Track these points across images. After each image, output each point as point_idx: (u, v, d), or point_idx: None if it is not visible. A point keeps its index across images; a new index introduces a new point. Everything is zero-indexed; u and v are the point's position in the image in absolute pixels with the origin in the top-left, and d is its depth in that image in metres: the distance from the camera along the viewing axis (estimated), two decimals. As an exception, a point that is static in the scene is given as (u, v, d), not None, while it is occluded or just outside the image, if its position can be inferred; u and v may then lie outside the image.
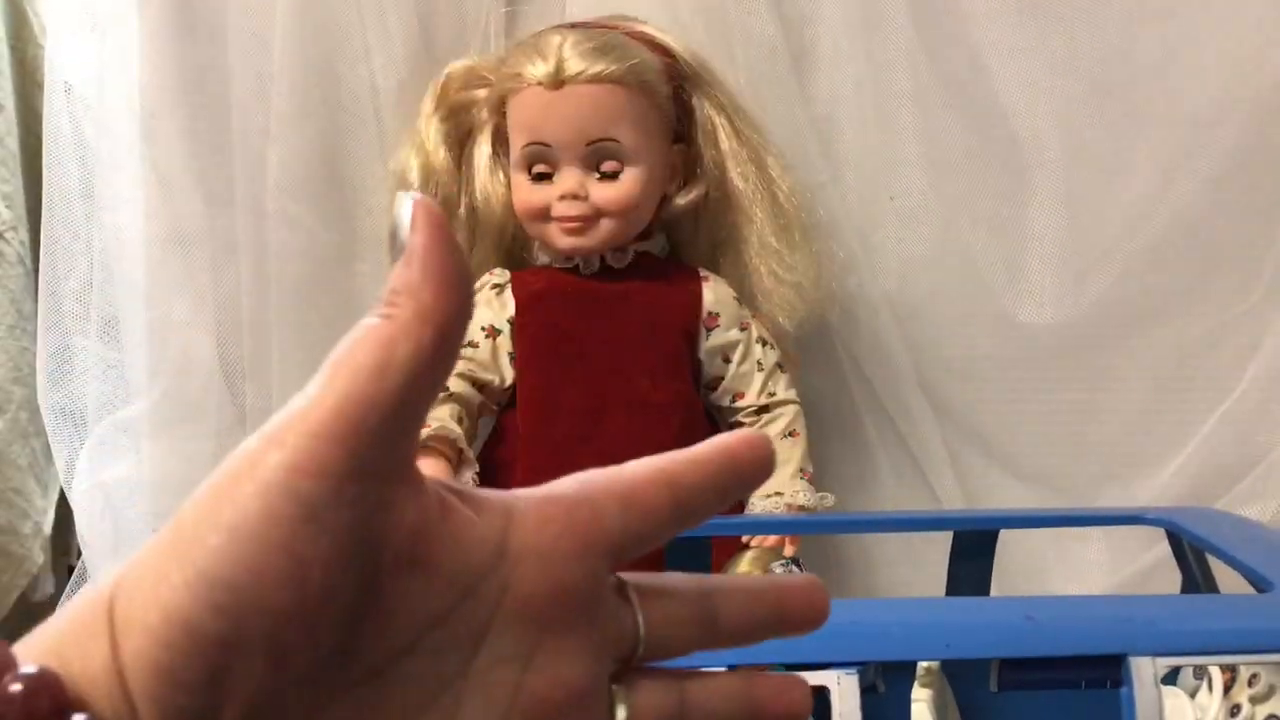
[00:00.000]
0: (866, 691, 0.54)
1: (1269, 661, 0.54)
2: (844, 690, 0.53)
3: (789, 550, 0.86)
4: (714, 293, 0.91)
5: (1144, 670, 0.54)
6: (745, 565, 0.73)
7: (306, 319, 0.91)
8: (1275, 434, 0.89)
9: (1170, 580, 0.82)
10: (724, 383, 0.92)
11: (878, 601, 0.61)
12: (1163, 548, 0.89)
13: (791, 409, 0.93)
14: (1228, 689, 0.75)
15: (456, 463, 0.86)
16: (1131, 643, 0.55)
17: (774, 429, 0.92)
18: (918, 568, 0.99)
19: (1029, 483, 0.98)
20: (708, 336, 0.91)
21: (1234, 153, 0.91)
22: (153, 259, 0.89)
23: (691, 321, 0.90)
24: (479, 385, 0.89)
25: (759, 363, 0.92)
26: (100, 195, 0.89)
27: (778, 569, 0.71)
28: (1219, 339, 0.94)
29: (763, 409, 0.92)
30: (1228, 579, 0.76)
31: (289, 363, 0.91)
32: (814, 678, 0.53)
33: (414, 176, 0.91)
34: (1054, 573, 0.98)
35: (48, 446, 1.11)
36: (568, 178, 0.87)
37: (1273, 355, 0.90)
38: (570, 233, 0.88)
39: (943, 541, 0.90)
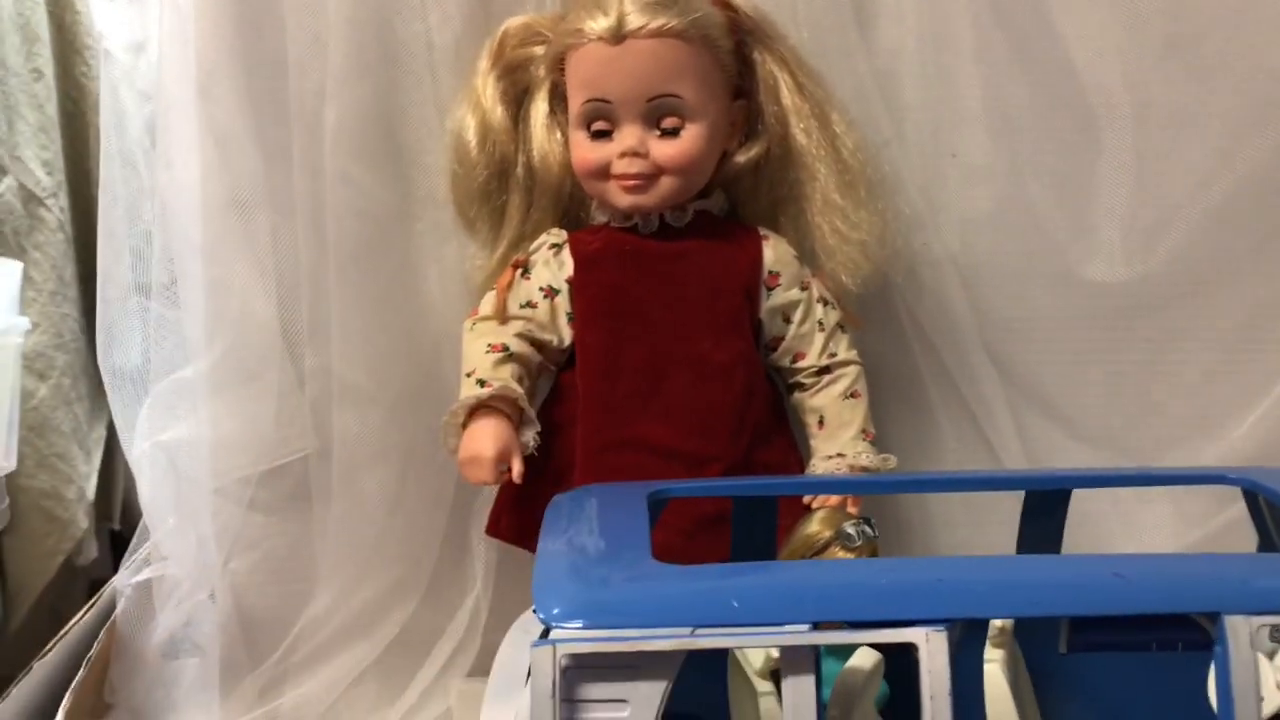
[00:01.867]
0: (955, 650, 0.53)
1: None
2: (933, 648, 0.52)
3: (853, 509, 0.85)
4: (774, 251, 0.90)
5: (1239, 630, 0.53)
6: (815, 525, 0.72)
7: (364, 279, 0.91)
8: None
9: (1242, 544, 0.80)
10: (784, 343, 0.91)
11: (961, 559, 0.60)
12: (1233, 510, 0.88)
13: (853, 370, 0.91)
14: (1309, 653, 0.73)
15: (519, 422, 0.85)
16: (1226, 600, 0.54)
17: (835, 390, 0.91)
18: (979, 530, 0.98)
19: (1093, 445, 0.97)
20: (768, 296, 0.90)
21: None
22: (211, 219, 0.89)
23: (752, 280, 0.89)
24: (538, 345, 0.88)
25: (820, 323, 0.91)
26: (158, 156, 0.89)
27: (848, 528, 0.70)
28: (1286, 299, 0.92)
29: (824, 370, 0.91)
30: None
31: (348, 323, 0.90)
32: (901, 635, 0.53)
33: (471, 135, 0.89)
34: (1117, 537, 0.97)
35: (90, 411, 1.12)
36: (628, 135, 0.86)
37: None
38: (630, 191, 0.86)
39: (1005, 503, 0.89)
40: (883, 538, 0.99)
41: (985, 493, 0.91)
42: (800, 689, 0.53)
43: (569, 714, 0.53)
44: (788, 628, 0.53)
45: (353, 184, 0.90)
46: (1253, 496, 0.75)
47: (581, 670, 0.53)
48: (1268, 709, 0.66)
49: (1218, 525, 0.90)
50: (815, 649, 0.53)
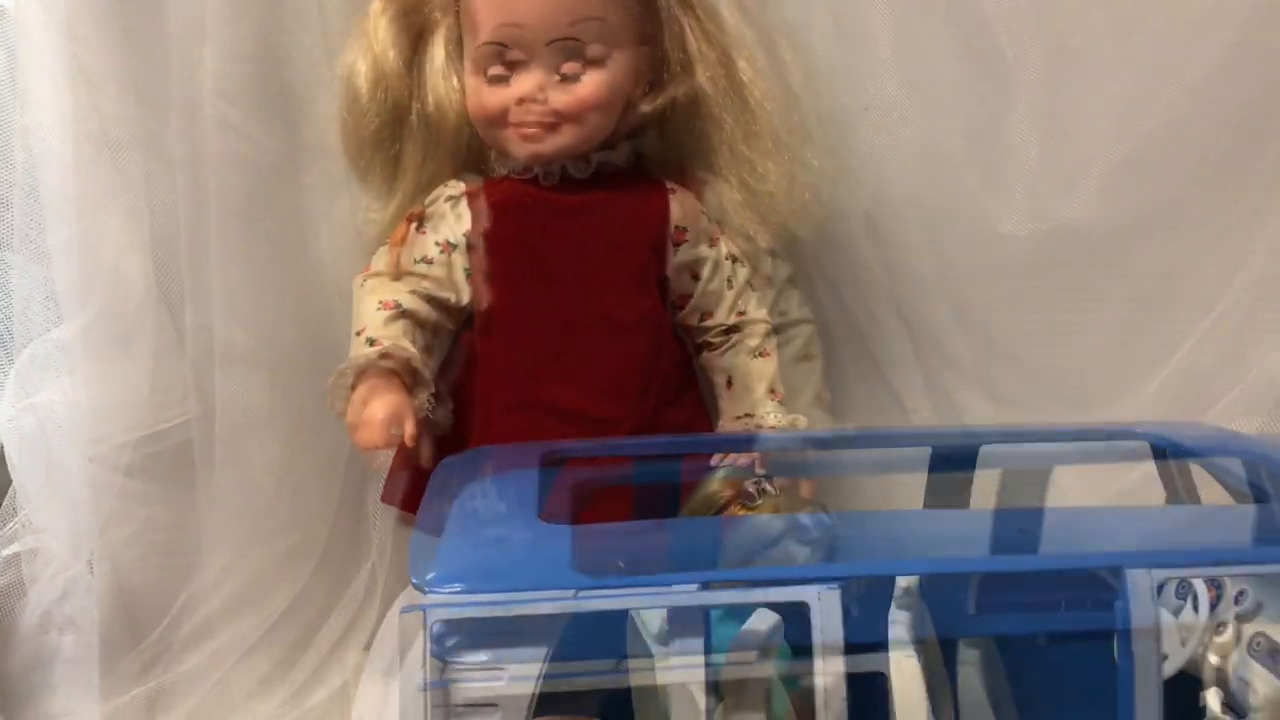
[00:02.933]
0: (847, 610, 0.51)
1: (1269, 573, 0.51)
2: (825, 605, 0.50)
3: (760, 468, 0.82)
4: (681, 206, 0.87)
5: (1141, 583, 0.52)
6: (716, 484, 0.69)
7: (248, 233, 0.86)
8: (1260, 349, 0.86)
9: (1151, 502, 0.79)
10: (692, 301, 0.88)
11: (857, 513, 0.57)
12: (1144, 468, 0.87)
13: (762, 328, 0.89)
14: (1214, 606, 0.72)
15: (412, 383, 0.81)
16: (1128, 554, 0.52)
17: (744, 349, 0.88)
18: (887, 487, 0.96)
19: (1006, 405, 0.95)
20: (675, 252, 0.87)
21: (1223, 62, 0.87)
22: (80, 168, 0.83)
23: (658, 236, 0.86)
24: (435, 303, 0.84)
25: (729, 280, 0.88)
26: (20, 99, 0.83)
27: (749, 487, 0.68)
28: (1204, 254, 0.90)
29: (732, 329, 0.89)
30: (1212, 498, 0.74)
31: (230, 280, 0.85)
32: (792, 593, 0.50)
33: (361, 80, 0.85)
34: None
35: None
36: (526, 80, 0.82)
37: (1259, 270, 0.87)
38: (528, 139, 0.83)
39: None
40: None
41: (894, 453, 0.89)
42: (688, 654, 0.50)
43: (441, 682, 0.49)
44: (675, 588, 0.50)
45: (235, 131, 0.85)
46: (1161, 452, 0.73)
47: (455, 637, 0.50)
48: (1170, 667, 0.64)
49: (1129, 482, 0.88)
50: (705, 610, 0.50)
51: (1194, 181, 0.89)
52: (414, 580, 0.51)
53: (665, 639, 0.58)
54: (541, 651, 0.50)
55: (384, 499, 0.88)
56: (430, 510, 0.59)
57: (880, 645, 0.67)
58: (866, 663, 0.53)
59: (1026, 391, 0.95)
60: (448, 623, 0.49)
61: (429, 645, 0.49)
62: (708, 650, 0.50)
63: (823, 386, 0.87)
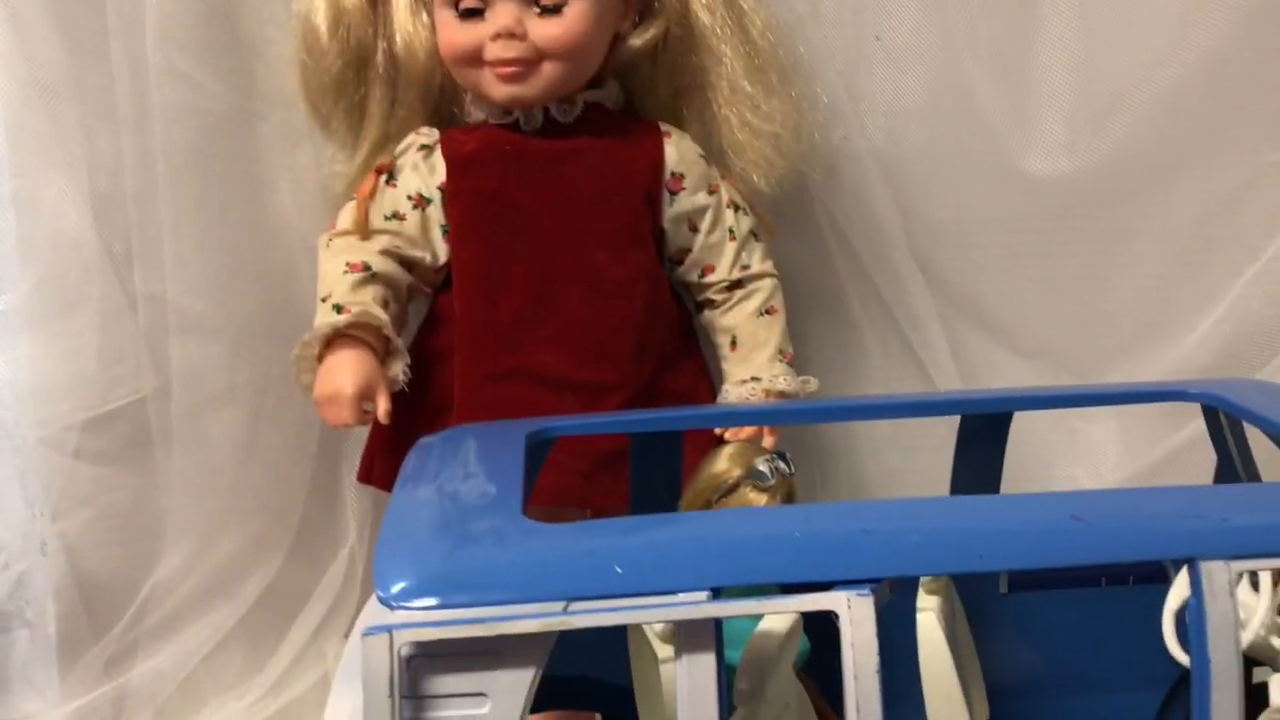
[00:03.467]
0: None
1: (1366, 563, 0.45)
2: (856, 615, 0.43)
3: (769, 441, 0.76)
4: (678, 150, 0.79)
5: (1217, 577, 0.45)
6: (723, 462, 0.62)
7: (201, 190, 0.78)
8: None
9: (1198, 466, 0.73)
10: (691, 255, 0.81)
11: (890, 503, 0.51)
12: (1188, 429, 0.80)
13: (769, 283, 0.82)
14: (1276, 583, 0.66)
15: (384, 353, 0.74)
16: (1202, 544, 0.45)
17: (749, 306, 0.81)
18: (909, 455, 0.89)
19: (1032, 359, 0.88)
20: (672, 201, 0.79)
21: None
22: (10, 123, 0.75)
23: (652, 184, 0.78)
24: (407, 264, 0.77)
25: (731, 231, 0.81)
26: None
27: (760, 465, 0.61)
28: (1246, 194, 0.83)
29: (736, 284, 0.81)
30: (1262, 461, 0.67)
31: (183, 242, 0.78)
32: (818, 601, 0.43)
33: (320, 19, 0.77)
34: (1059, 460, 0.89)
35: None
36: (502, 13, 0.74)
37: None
38: (506, 79, 0.75)
39: (938, 426, 0.80)
40: (804, 468, 0.91)
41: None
42: (699, 669, 0.43)
43: (413, 713, 0.43)
44: (682, 597, 0.43)
45: (183, 79, 0.78)
46: (1213, 413, 0.66)
47: (429, 660, 0.43)
48: (1246, 638, 0.58)
49: (1172, 445, 0.82)
50: (716, 621, 0.43)
51: (1238, 114, 0.82)
52: (379, 593, 0.44)
53: (670, 640, 0.51)
54: (530, 674, 0.43)
55: (360, 478, 0.81)
56: (401, 503, 0.52)
57: (908, 642, 0.61)
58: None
59: (1054, 344, 0.89)
60: (420, 645, 0.42)
61: (397, 675, 0.42)
62: (720, 661, 0.43)
63: (785, 341, 0.80)
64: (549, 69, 0.75)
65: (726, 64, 0.78)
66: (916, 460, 0.88)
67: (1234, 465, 0.67)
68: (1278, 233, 0.82)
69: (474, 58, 0.75)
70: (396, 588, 0.44)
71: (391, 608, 0.44)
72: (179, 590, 0.81)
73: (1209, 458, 0.69)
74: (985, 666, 0.72)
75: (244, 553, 0.82)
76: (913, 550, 0.45)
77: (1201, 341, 0.83)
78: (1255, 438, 0.65)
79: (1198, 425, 0.71)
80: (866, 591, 0.43)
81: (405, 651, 0.42)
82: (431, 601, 0.43)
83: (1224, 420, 0.66)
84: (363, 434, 0.80)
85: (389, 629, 0.42)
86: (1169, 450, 0.82)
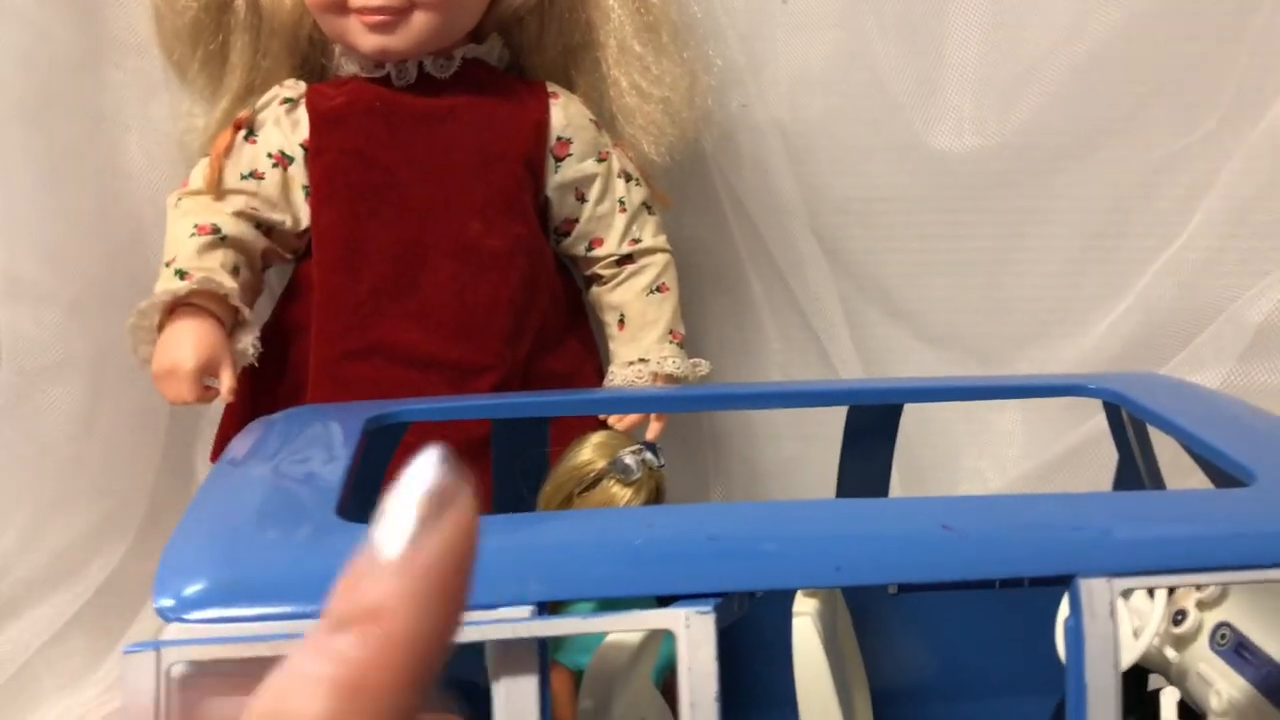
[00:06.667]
0: (727, 629, 0.39)
1: (1262, 579, 0.41)
2: (695, 635, 0.38)
3: (652, 432, 0.71)
4: (565, 113, 0.73)
5: (1098, 595, 0.40)
6: (587, 453, 0.57)
7: (38, 142, 0.71)
8: (1227, 288, 0.75)
9: (1105, 459, 0.69)
10: (579, 226, 0.75)
11: (743, 507, 0.46)
12: (1095, 422, 0.76)
13: (660, 259, 0.77)
14: (1171, 591, 0.62)
15: (231, 325, 0.68)
16: (1083, 559, 0.41)
17: (639, 283, 0.76)
18: (808, 443, 0.85)
19: (937, 346, 0.84)
20: (557, 168, 0.73)
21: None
22: None
23: (536, 148, 0.73)
24: (265, 227, 0.71)
25: (621, 202, 0.75)
26: None
27: (626, 457, 0.56)
28: (1160, 177, 0.80)
29: (625, 259, 0.76)
30: (1167, 459, 0.63)
31: (15, 199, 0.70)
32: (656, 618, 0.38)
33: (174, -44, 0.70)
34: (964, 449, 0.85)
35: None
36: (369, -44, 0.67)
37: (1227, 194, 0.76)
38: (374, 29, 0.68)
39: (838, 413, 0.76)
40: (696, 456, 0.87)
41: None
42: (518, 694, 0.38)
43: (188, 746, 0.37)
44: (501, 613, 0.38)
45: (17, 18, 0.70)
46: (1115, 410, 0.63)
47: (206, 680, 0.37)
48: (1124, 661, 0.55)
49: (1076, 439, 0.78)
50: (541, 641, 0.38)
51: (1156, 91, 0.78)
52: (156, 604, 0.38)
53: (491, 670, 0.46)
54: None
55: (215, 459, 0.74)
56: (207, 494, 0.46)
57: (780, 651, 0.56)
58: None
59: (960, 330, 0.85)
60: (195, 665, 0.37)
61: (164, 699, 0.36)
62: (544, 685, 0.38)
63: (676, 321, 0.75)
64: (420, 19, 0.68)
65: (615, 20, 0.73)
66: (816, 448, 0.83)
67: (1135, 464, 0.64)
68: (1192, 219, 0.79)
69: (339, 4, 0.68)
70: (170, 597, 0.38)
71: (167, 620, 0.38)
72: (9, 577, 0.75)
73: (1110, 450, 0.65)
74: (871, 670, 0.68)
75: (84, 537, 0.75)
76: (763, 561, 0.40)
77: (1111, 330, 0.80)
78: (1161, 434, 0.62)
79: (1102, 419, 0.67)
80: (708, 608, 0.38)
81: (176, 671, 0.37)
82: (210, 614, 0.38)
83: (1125, 417, 0.63)
84: (220, 412, 0.74)
85: (156, 646, 0.37)
86: (1073, 444, 0.78)
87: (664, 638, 0.53)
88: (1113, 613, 0.40)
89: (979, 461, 0.87)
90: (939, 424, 0.85)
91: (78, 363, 0.73)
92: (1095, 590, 0.40)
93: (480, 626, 0.38)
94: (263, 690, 0.20)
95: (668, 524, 0.42)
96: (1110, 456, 0.66)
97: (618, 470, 0.56)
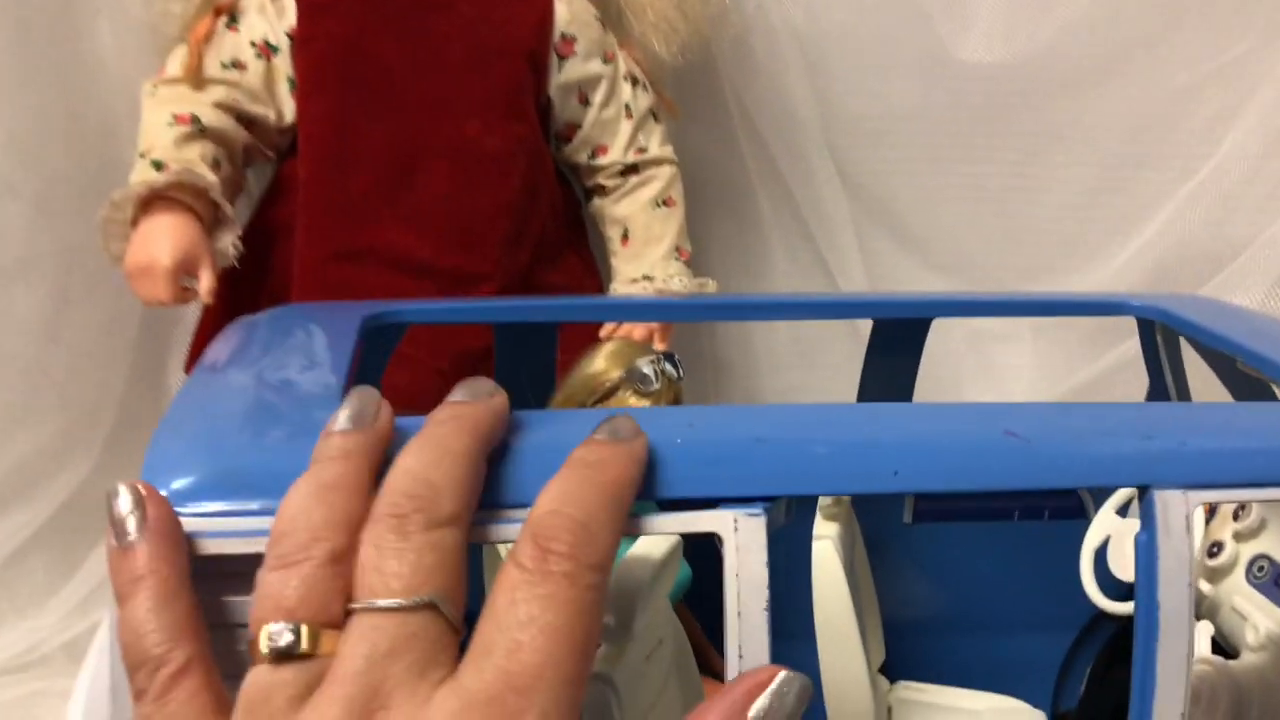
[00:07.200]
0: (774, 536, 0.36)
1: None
2: (744, 539, 0.34)
3: (659, 344, 0.67)
4: (569, 8, 0.69)
5: (1173, 509, 0.37)
6: (601, 362, 0.53)
7: (3, 20, 0.65)
8: (1258, 218, 0.72)
9: (1116, 397, 0.66)
10: (581, 131, 0.71)
11: (792, 409, 0.43)
12: (1111, 355, 0.74)
13: (667, 170, 0.73)
14: (1208, 520, 0.60)
15: (211, 222, 0.63)
16: (1157, 470, 0.38)
17: (644, 195, 0.72)
18: (810, 371, 0.82)
19: (947, 273, 0.81)
20: (560, 67, 0.69)
21: None
22: None
23: (538, 45, 0.68)
24: (246, 120, 0.66)
25: (628, 107, 0.71)
26: None
27: (644, 366, 0.52)
28: (1192, 101, 0.76)
29: (630, 169, 0.72)
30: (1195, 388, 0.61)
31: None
32: (700, 520, 0.35)
33: None
34: (969, 384, 0.82)
35: None
36: None
37: (1262, 117, 0.73)
38: (368, -94, 0.63)
39: (841, 343, 0.73)
40: (696, 381, 0.83)
41: (819, 331, 0.74)
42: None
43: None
44: (523, 512, 0.34)
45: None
46: (1149, 330, 0.60)
47: (206, 582, 0.33)
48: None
49: (1089, 375, 0.75)
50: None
51: (1189, 9, 0.74)
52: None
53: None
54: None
55: (188, 370, 0.70)
56: (196, 387, 0.42)
57: (803, 571, 0.53)
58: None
59: (972, 259, 0.81)
60: (196, 560, 0.33)
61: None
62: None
63: (682, 237, 0.72)
64: (419, -103, 0.64)
65: (626, -93, 0.68)
66: (817, 376, 0.80)
67: (1166, 390, 0.61)
68: (1218, 147, 0.75)
69: (331, -122, 0.64)
70: (172, 486, 0.34)
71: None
72: (-33, 492, 0.70)
73: (1125, 392, 0.62)
74: (883, 602, 0.65)
75: (47, 451, 0.71)
76: (816, 464, 0.36)
77: (1131, 261, 0.77)
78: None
79: (1115, 355, 0.64)
80: (758, 510, 0.35)
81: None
82: (216, 506, 0.34)
83: (1160, 341, 0.60)
84: (194, 318, 0.70)
85: (145, 541, 0.32)
86: (1085, 380, 0.75)
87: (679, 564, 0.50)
88: (1189, 528, 0.37)
89: (983, 396, 0.84)
90: (943, 355, 0.81)
91: (42, 262, 0.68)
92: (1171, 503, 0.37)
93: (508, 526, 0.34)
94: None
95: (710, 424, 0.38)
96: (1121, 396, 0.63)
97: (635, 380, 0.52)
